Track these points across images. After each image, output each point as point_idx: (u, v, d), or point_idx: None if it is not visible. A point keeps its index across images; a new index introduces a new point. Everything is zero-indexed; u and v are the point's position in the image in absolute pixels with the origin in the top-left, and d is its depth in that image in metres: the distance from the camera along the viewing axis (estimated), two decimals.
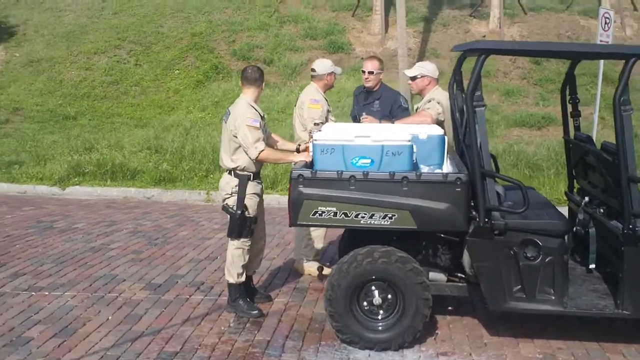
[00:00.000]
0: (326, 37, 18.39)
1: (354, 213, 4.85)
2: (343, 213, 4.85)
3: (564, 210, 6.28)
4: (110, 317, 5.58)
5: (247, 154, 5.47)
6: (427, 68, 6.36)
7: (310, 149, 5.25)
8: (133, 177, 11.90)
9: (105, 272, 6.82)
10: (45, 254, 7.45)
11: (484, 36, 18.35)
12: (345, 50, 17.80)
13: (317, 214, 4.88)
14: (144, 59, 18.33)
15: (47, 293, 6.14)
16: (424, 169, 5.24)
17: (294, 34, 18.89)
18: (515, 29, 18.90)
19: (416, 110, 6.43)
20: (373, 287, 5.01)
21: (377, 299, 5.02)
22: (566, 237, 5.07)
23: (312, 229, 6.58)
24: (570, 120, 6.14)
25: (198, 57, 18.17)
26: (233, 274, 5.68)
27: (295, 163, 5.34)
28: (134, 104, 16.89)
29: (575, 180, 6.30)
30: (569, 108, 6.09)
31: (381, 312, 5.06)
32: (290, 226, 5.13)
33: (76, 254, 7.45)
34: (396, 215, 4.82)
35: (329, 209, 4.85)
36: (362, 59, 12.47)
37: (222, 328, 5.41)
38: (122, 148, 13.07)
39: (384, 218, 4.83)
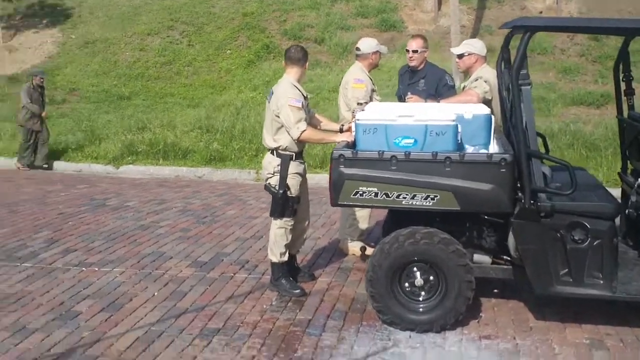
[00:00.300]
0: (378, 16, 18.23)
1: (396, 194, 4.78)
2: (384, 193, 4.79)
3: (618, 192, 6.10)
4: (156, 294, 5.67)
5: (289, 134, 5.46)
6: (474, 46, 6.22)
7: (353, 128, 5.21)
8: (184, 157, 12.06)
9: (153, 249, 6.93)
10: (96, 231, 7.61)
11: (541, 12, 17.94)
12: (397, 29, 17.63)
13: (358, 194, 4.84)
14: (196, 40, 18.50)
15: (96, 269, 6.27)
16: (470, 149, 5.13)
17: (345, 12, 18.79)
18: (573, 5, 18.40)
19: (463, 88, 6.31)
20: (415, 269, 4.95)
21: (418, 280, 4.95)
22: (616, 220, 4.91)
23: (356, 209, 6.54)
24: (624, 99, 5.93)
25: (249, 37, 18.25)
26: (276, 253, 5.70)
27: (338, 143, 5.31)
28: (187, 84, 17.09)
29: (628, 161, 6.10)
30: (623, 86, 5.89)
31: (423, 293, 4.99)
32: (332, 206, 5.11)
33: (126, 232, 7.59)
34: (438, 196, 4.74)
35: (370, 189, 4.80)
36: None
37: (265, 306, 5.44)
38: (174, 128, 13.25)
39: (425, 199, 4.76)
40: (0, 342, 4.65)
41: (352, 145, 5.15)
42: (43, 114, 12.28)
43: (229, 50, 18.06)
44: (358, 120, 5.05)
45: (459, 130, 4.95)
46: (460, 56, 6.22)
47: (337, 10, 18.88)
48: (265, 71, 16.81)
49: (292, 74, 5.64)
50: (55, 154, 12.47)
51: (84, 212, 8.54)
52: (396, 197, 4.79)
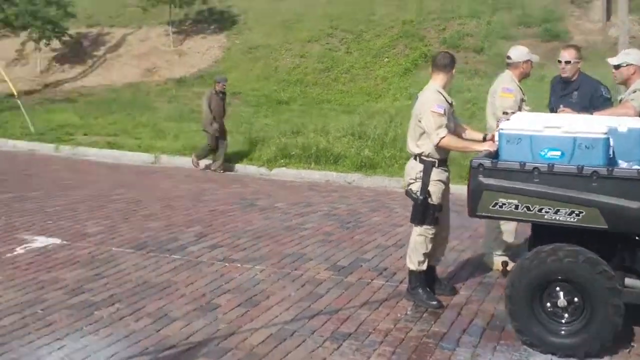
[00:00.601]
0: (541, 25, 17.61)
1: (537, 207, 4.56)
2: (525, 206, 4.59)
3: None
4: (292, 293, 5.77)
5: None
6: (632, 56, 5.81)
7: (496, 138, 5.03)
8: (335, 162, 12.22)
9: (294, 250, 7.06)
10: (243, 229, 7.88)
11: None
12: (561, 39, 16.90)
13: (497, 206, 4.66)
14: (354, 47, 18.73)
15: (239, 265, 6.49)
16: (623, 164, 4.81)
17: (507, 21, 18.30)
18: None
19: (620, 101, 5.92)
20: (557, 288, 4.68)
21: (561, 301, 4.68)
22: None
23: (502, 222, 6.32)
24: None
25: (407, 45, 18.22)
26: (414, 261, 5.63)
27: (479, 152, 5.16)
28: (343, 90, 17.32)
29: None
30: None
31: (566, 315, 4.70)
32: (469, 216, 4.97)
33: (271, 231, 7.79)
34: (584, 213, 4.46)
35: (510, 201, 4.62)
36: None
37: (399, 315, 5.38)
38: (327, 133, 13.46)
39: (570, 215, 4.50)
40: (143, 327, 4.93)
41: (494, 155, 4.98)
42: (222, 119, 12.52)
43: (386, 58, 18.13)
44: (502, 129, 4.89)
45: (611, 144, 4.64)
46: (617, 67, 5.84)
47: (498, 19, 18.44)
48: (421, 79, 16.65)
49: (437, 80, 5.56)
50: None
51: (234, 210, 8.88)
52: (538, 211, 4.57)
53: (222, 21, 21.30)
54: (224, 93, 12.82)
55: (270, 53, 19.14)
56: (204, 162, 12.56)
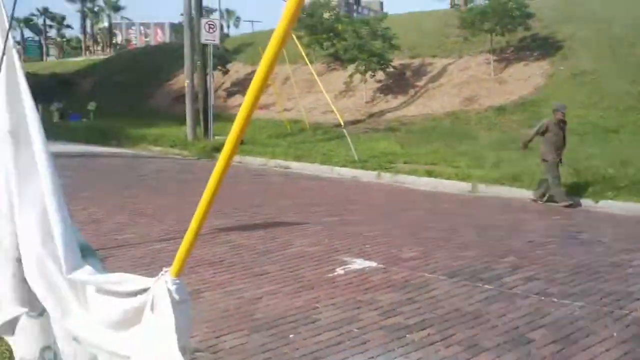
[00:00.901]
0: None
1: None
2: None
3: None
4: (615, 334, 5.26)
5: None
6: None
7: None
8: None
9: (620, 288, 6.46)
10: (562, 262, 7.42)
11: None
12: None
13: None
14: None
15: (555, 300, 6.10)
16: None
17: None
18: None
19: None
20: None
21: None
22: None
23: None
24: None
25: None
26: None
27: None
28: None
29: None
30: None
31: None
32: None
33: (593, 266, 7.24)
34: None
35: None
36: None
37: None
38: None
39: None
40: (453, 354, 4.85)
41: None
42: (561, 150, 11.62)
43: None
44: None
45: None
46: None
47: None
48: None
49: None
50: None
51: (553, 242, 8.44)
52: None
53: (545, 47, 20.65)
54: (564, 122, 11.89)
55: (597, 79, 18.05)
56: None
